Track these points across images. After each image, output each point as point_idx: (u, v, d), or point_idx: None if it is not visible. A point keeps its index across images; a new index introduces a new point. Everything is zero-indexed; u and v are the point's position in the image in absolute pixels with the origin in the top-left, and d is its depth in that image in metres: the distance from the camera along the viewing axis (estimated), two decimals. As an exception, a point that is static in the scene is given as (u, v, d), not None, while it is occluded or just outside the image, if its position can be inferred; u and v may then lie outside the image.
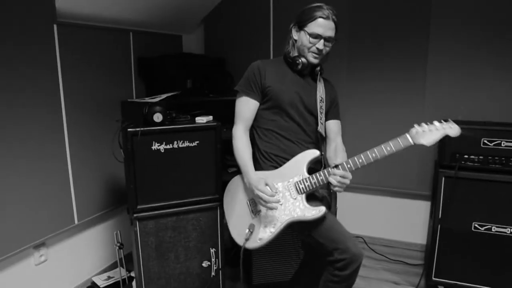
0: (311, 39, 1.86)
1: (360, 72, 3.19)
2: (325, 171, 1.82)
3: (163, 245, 2.28)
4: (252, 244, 1.87)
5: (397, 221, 3.41)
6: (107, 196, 2.85)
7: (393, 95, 3.15)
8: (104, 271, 2.98)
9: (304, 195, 1.84)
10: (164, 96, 2.58)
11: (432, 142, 1.77)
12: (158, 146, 2.19)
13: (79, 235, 2.77)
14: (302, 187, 1.84)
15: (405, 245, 3.41)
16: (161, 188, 2.24)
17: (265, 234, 1.86)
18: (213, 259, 2.41)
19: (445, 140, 2.57)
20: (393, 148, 1.78)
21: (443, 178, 2.60)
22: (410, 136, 1.77)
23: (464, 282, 2.65)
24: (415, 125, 1.79)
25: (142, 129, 2.14)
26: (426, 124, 1.79)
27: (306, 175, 1.84)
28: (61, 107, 2.44)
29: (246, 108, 1.97)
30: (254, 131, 2.04)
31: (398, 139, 1.78)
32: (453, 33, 2.92)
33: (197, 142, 2.26)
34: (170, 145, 2.21)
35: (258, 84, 1.93)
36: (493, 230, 2.54)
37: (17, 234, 2.24)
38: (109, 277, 2.85)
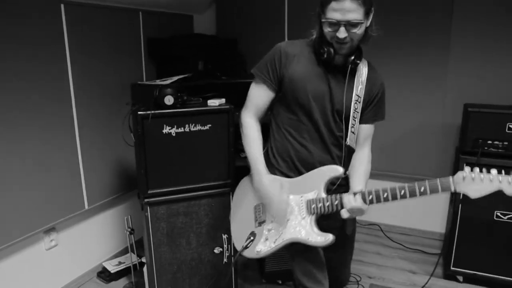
0: (329, 28, 1.51)
1: (379, 56, 3.13)
2: (343, 196, 1.59)
3: (174, 231, 2.30)
4: (249, 253, 1.74)
5: (415, 209, 3.38)
6: (117, 180, 2.88)
7: (414, 79, 3.10)
8: (115, 256, 3.02)
9: (314, 216, 1.62)
10: (175, 78, 2.56)
11: (479, 195, 1.41)
12: (169, 129, 2.18)
13: (89, 220, 2.81)
14: (314, 207, 1.61)
15: (422, 233, 3.39)
16: (173, 173, 2.23)
17: (264, 247, 1.70)
18: (225, 245, 2.42)
19: (467, 125, 2.55)
20: (428, 190, 1.45)
21: (465, 165, 2.54)
22: (454, 182, 1.43)
23: (484, 273, 2.63)
24: (466, 168, 1.43)
25: (152, 112, 2.13)
26: (481, 170, 1.42)
27: (322, 194, 1.61)
28: (69, 90, 2.45)
29: (260, 96, 1.71)
30: (271, 124, 1.80)
31: (438, 181, 1.45)
32: (476, 15, 2.84)
33: (209, 125, 2.25)
34: (182, 128, 2.20)
35: (277, 72, 1.65)
36: (516, 219, 2.50)
37: (27, 219, 2.27)
38: (120, 263, 2.89)
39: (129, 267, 2.75)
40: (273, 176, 1.70)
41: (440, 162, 3.13)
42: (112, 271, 2.80)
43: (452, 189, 1.43)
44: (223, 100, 2.35)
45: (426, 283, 2.68)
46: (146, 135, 2.15)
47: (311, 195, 1.63)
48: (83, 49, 2.51)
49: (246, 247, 1.72)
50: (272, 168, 1.75)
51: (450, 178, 1.43)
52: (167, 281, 2.34)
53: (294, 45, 1.68)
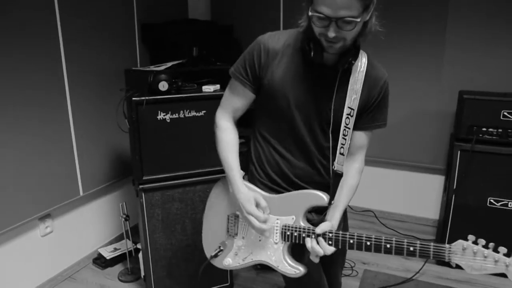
0: (317, 23, 1.22)
1: (373, 44, 3.13)
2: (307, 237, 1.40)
3: (169, 217, 2.31)
4: (218, 264, 1.63)
5: (410, 195, 3.42)
6: (112, 167, 2.88)
7: (409, 67, 3.10)
8: (111, 243, 3.04)
9: (287, 244, 1.46)
10: (169, 64, 2.56)
11: (476, 273, 1.23)
12: (164, 115, 2.18)
13: (84, 206, 2.82)
14: (289, 235, 1.43)
15: (416, 220, 3.43)
16: (167, 159, 2.24)
17: (232, 261, 1.58)
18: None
19: (462, 112, 2.56)
20: (417, 253, 1.27)
21: (459, 152, 2.59)
22: (451, 252, 1.24)
23: (477, 258, 2.67)
24: (469, 239, 1.22)
25: (147, 98, 2.12)
26: (486, 245, 1.21)
27: (301, 223, 1.42)
28: (63, 76, 2.44)
29: (238, 97, 1.49)
30: (252, 127, 1.58)
31: (432, 247, 1.25)
32: (472, 4, 2.83)
33: (204, 111, 2.24)
34: (176, 114, 2.20)
35: (256, 72, 1.40)
36: (509, 205, 2.53)
37: (22, 206, 2.28)
38: (115, 249, 2.91)
39: (125, 253, 2.77)
40: (250, 191, 1.49)
41: (435, 149, 3.15)
42: (107, 257, 2.82)
43: (446, 260, 1.25)
44: (217, 86, 2.33)
45: (421, 268, 2.72)
46: (141, 121, 2.14)
47: (288, 221, 1.45)
48: (77, 35, 2.49)
49: (215, 256, 1.61)
50: (253, 178, 1.56)
51: (447, 247, 1.24)
52: (162, 267, 2.36)
53: (277, 38, 1.39)
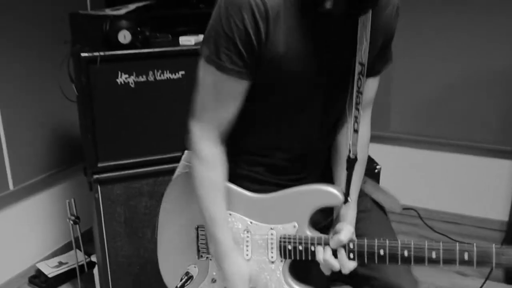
0: None
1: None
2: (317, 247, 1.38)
3: (136, 218, 2.32)
4: None
5: (467, 188, 3.43)
6: (54, 151, 2.89)
7: (469, 12, 3.11)
8: (54, 255, 3.05)
9: (288, 262, 1.43)
10: (133, 6, 2.55)
11: None
12: (126, 78, 2.18)
13: (16, 205, 2.82)
14: (290, 250, 1.40)
15: (477, 221, 3.45)
16: (132, 139, 2.25)
17: None
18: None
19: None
20: (474, 260, 1.23)
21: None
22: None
23: None
24: None
25: (102, 53, 2.12)
26: None
27: (306, 232, 1.39)
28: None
29: (229, 98, 1.36)
30: None
31: (494, 249, 1.21)
32: None
33: (182, 72, 2.25)
34: (144, 76, 2.20)
35: (254, 51, 1.25)
36: None
37: None
38: (60, 263, 2.92)
39: (74, 268, 2.77)
40: (244, 265, 1.44)
41: (503, 125, 3.18)
42: (49, 275, 2.82)
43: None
44: (200, 38, 2.29)
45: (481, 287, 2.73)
46: (94, 87, 2.14)
47: (288, 229, 1.40)
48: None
49: (181, 287, 1.52)
50: (234, 176, 1.49)
51: None
52: (127, 286, 2.38)
53: None
